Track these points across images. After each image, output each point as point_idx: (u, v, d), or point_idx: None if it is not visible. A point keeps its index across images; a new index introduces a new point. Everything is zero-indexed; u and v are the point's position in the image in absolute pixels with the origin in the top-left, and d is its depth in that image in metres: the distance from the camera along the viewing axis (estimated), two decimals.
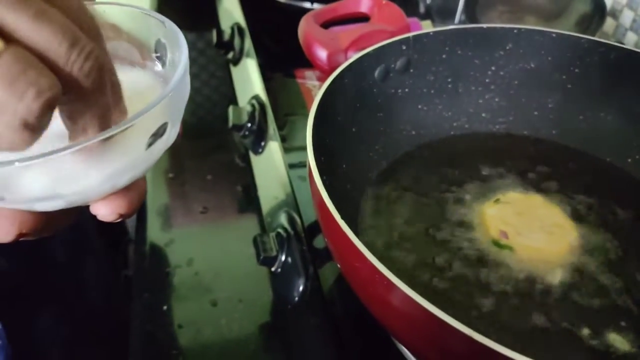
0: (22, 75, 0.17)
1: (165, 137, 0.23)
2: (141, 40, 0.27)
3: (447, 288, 0.38)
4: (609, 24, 0.72)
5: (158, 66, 0.27)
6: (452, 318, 0.25)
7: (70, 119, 0.21)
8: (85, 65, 0.19)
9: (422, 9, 0.83)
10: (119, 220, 0.24)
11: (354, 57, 0.43)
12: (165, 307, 0.41)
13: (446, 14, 0.80)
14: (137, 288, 0.43)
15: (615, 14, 0.71)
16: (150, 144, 0.23)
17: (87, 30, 0.20)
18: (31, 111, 0.18)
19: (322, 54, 0.44)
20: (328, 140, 0.40)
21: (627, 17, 0.69)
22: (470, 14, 0.62)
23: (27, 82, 0.18)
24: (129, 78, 0.25)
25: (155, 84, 0.27)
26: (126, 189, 0.23)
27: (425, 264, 0.40)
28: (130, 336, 0.40)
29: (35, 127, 0.18)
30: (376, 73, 0.46)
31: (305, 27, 0.46)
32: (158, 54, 0.27)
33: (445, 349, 0.28)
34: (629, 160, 0.48)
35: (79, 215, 0.25)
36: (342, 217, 0.30)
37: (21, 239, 0.23)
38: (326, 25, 0.49)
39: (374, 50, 0.44)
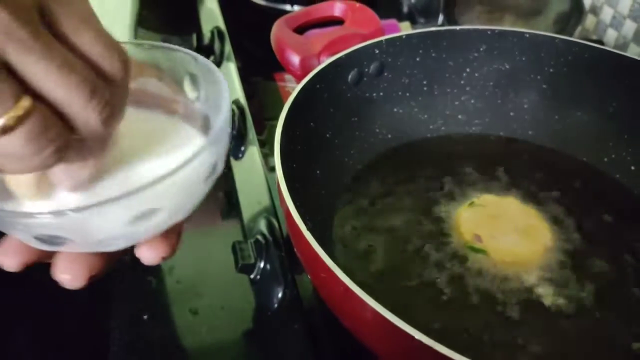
0: (43, 134, 0.19)
1: (218, 169, 0.25)
2: (171, 76, 0.27)
3: (419, 295, 0.38)
4: (590, 20, 0.72)
5: (190, 102, 0.27)
6: (422, 333, 0.24)
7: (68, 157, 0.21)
8: (103, 113, 0.20)
9: (405, 9, 0.83)
10: (158, 263, 0.24)
11: (325, 62, 0.43)
12: (145, 317, 0.41)
13: (429, 14, 0.80)
14: (118, 298, 0.43)
15: (595, 11, 0.71)
16: (206, 178, 0.24)
17: (108, 67, 0.20)
18: (46, 164, 0.20)
19: (294, 59, 0.44)
20: (300, 147, 0.40)
21: (607, 13, 0.69)
22: (449, 15, 0.62)
23: (47, 140, 0.19)
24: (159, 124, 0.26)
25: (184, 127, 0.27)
26: (167, 232, 0.24)
27: (399, 270, 0.39)
28: (110, 346, 0.40)
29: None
30: (349, 77, 0.45)
31: (278, 32, 0.46)
32: (190, 90, 0.27)
33: None
34: (605, 159, 0.48)
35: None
36: (315, 226, 0.30)
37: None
38: (300, 29, 0.49)
39: (346, 54, 0.44)
